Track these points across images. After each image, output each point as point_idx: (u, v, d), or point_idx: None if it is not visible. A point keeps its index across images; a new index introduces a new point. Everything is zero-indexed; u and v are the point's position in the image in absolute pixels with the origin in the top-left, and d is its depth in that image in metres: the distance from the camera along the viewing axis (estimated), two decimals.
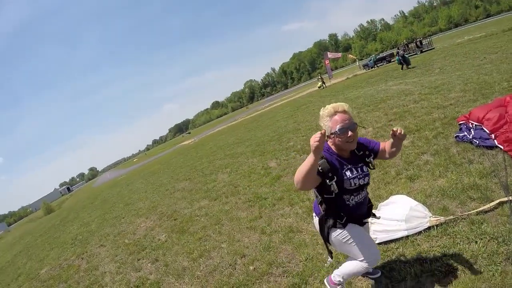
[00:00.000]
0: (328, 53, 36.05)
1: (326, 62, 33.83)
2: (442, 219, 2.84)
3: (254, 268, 3.42)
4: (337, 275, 2.29)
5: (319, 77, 31.34)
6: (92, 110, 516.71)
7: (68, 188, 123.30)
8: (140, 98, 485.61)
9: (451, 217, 2.83)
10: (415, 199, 3.24)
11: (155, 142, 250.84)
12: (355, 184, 1.94)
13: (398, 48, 27.03)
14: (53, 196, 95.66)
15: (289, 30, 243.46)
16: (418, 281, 2.37)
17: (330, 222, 2.02)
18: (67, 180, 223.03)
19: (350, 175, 1.93)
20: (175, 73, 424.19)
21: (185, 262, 4.40)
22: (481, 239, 2.47)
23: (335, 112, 1.88)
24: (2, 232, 54.63)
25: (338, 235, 2.04)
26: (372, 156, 2.06)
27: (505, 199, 2.73)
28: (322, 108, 1.96)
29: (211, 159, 12.58)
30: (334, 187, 1.88)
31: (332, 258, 2.30)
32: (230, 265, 3.72)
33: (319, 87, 29.11)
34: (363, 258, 2.02)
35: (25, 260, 10.63)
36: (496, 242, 2.38)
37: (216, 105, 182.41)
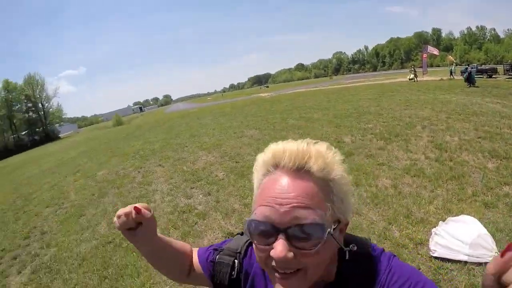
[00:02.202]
0: (429, 46, 31.95)
1: (424, 56, 30.24)
2: None
3: None
4: None
5: (412, 68, 28.50)
6: (182, 42, 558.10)
7: (140, 108, 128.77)
8: (229, 42, 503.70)
9: None
10: (485, 227, 3.05)
11: (232, 87, 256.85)
12: None
13: (468, 65, 23.67)
14: (125, 112, 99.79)
15: (391, 12, 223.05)
16: None
17: None
18: (141, 101, 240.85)
19: None
20: (269, 24, 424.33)
21: (236, 205, 4.35)
22: None
23: (275, 166, 0.55)
24: (72, 132, 62.44)
25: None
26: None
27: None
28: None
29: (284, 117, 12.15)
30: None
31: None
32: None
33: (410, 79, 26.57)
34: None
35: (86, 160, 11.83)
36: None
37: (300, 67, 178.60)
